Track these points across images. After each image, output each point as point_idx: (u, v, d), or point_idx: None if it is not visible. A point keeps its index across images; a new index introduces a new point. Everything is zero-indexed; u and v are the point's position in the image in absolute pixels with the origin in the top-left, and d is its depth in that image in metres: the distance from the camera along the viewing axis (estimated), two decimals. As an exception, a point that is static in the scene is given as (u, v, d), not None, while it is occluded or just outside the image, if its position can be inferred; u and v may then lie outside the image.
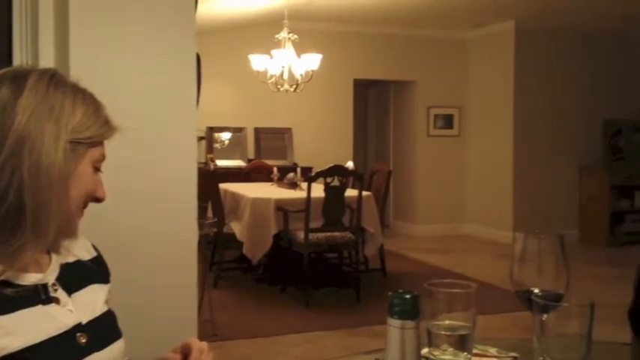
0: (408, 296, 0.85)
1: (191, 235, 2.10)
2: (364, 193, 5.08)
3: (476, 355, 1.19)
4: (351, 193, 5.00)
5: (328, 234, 4.89)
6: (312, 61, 5.90)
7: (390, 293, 0.86)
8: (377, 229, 5.30)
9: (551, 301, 1.04)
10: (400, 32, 8.10)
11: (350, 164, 5.96)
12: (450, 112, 8.50)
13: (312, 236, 4.82)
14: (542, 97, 7.81)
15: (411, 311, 0.85)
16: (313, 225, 4.80)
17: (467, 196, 8.54)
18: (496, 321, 3.85)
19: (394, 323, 0.85)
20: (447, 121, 8.51)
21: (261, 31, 6.81)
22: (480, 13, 7.32)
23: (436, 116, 8.46)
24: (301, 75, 5.97)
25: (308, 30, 7.10)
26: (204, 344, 1.18)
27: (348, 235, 4.97)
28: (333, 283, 5.43)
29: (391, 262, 5.98)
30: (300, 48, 6.04)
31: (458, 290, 1.05)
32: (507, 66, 7.78)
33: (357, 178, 5.10)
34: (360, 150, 9.07)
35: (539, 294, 1.10)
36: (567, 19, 7.32)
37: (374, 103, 9.72)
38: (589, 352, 0.99)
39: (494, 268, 5.90)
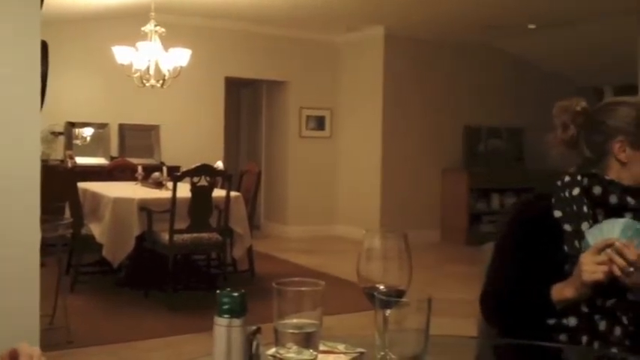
0: (235, 294, 0.84)
1: (33, 236, 1.95)
2: (233, 193, 5.02)
3: (324, 352, 1.20)
4: (219, 193, 4.93)
5: (195, 235, 4.78)
6: (180, 56, 5.75)
7: (217, 292, 0.84)
8: (245, 230, 5.25)
9: (394, 297, 1.06)
10: (273, 32, 8.11)
11: (219, 164, 5.87)
12: (322, 113, 8.63)
13: (178, 237, 4.68)
14: (409, 102, 8.13)
15: (238, 310, 0.84)
16: (179, 226, 4.67)
17: (337, 197, 8.71)
18: (359, 319, 3.92)
19: (221, 322, 0.85)
20: (319, 123, 8.63)
21: (126, 23, 6.55)
22: (351, 17, 7.50)
23: (308, 117, 8.56)
24: (169, 70, 5.80)
25: (177, 24, 6.94)
26: (36, 350, 1.09)
27: (215, 236, 4.88)
28: (200, 286, 5.32)
29: (260, 263, 5.95)
30: (169, 42, 5.86)
31: (306, 288, 1.06)
32: (377, 70, 8.03)
33: (226, 178, 5.03)
34: (231, 150, 8.98)
35: (383, 290, 1.11)
36: (433, 28, 7.67)
37: (246, 102, 9.67)
38: (427, 346, 1.01)
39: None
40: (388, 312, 1.02)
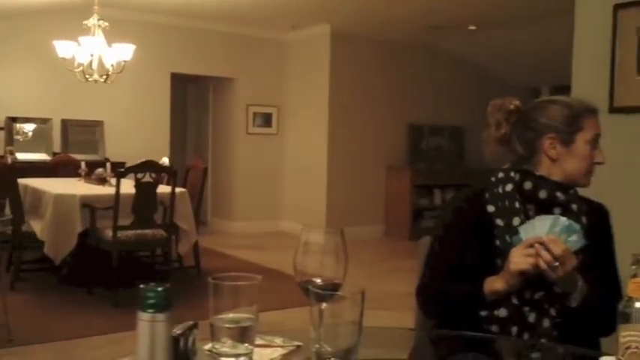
0: (159, 289, 0.84)
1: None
2: (178, 189, 4.98)
3: (261, 345, 1.22)
4: (164, 189, 4.89)
5: (139, 231, 4.73)
6: (124, 51, 5.65)
7: (141, 286, 0.84)
8: (191, 227, 5.23)
9: (329, 290, 1.08)
10: (220, 29, 8.06)
11: (165, 160, 5.82)
12: (269, 110, 8.63)
13: (122, 234, 4.63)
14: (355, 100, 8.21)
15: (162, 304, 0.83)
16: (123, 222, 4.62)
17: (284, 193, 8.73)
18: (306, 313, 3.98)
19: (144, 317, 0.83)
20: (266, 120, 8.63)
21: (69, 17, 6.40)
22: (297, 15, 7.51)
23: (255, 114, 8.54)
24: (112, 65, 5.70)
25: (122, 19, 6.82)
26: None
27: (160, 232, 4.85)
28: (145, 282, 5.25)
29: (207, 259, 5.94)
30: (114, 37, 5.76)
31: (242, 283, 1.06)
32: (323, 68, 8.07)
33: (172, 174, 5.00)
34: (178, 146, 8.89)
35: (320, 284, 1.13)
36: (378, 27, 7.76)
37: (193, 98, 9.58)
38: (359, 338, 1.04)
39: (307, 263, 6.07)
40: (324, 305, 1.03)
